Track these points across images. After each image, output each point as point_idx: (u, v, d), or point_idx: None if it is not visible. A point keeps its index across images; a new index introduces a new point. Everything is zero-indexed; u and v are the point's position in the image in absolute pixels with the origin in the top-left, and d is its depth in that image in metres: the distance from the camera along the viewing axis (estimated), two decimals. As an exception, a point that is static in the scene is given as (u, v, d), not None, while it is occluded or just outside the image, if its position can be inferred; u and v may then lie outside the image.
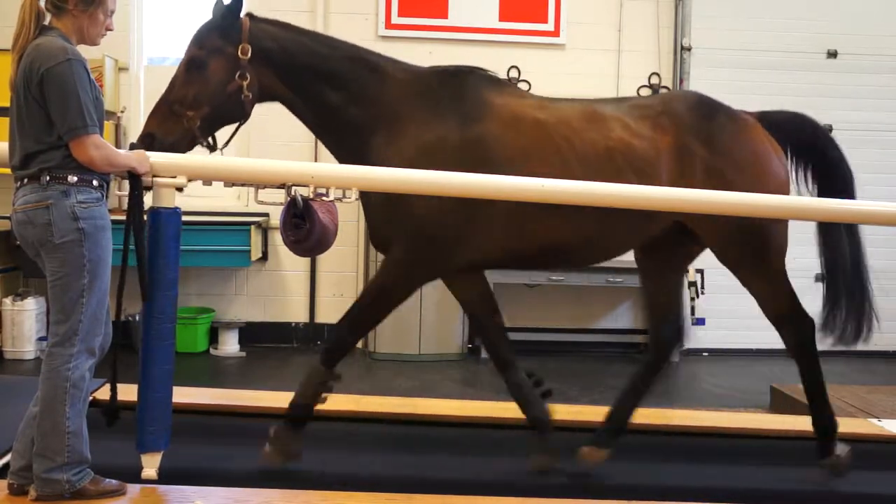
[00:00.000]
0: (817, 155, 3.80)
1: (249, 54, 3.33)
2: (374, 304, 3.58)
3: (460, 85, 3.54)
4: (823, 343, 3.87)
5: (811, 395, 3.82)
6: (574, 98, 3.80)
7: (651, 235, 3.65)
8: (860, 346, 4.03)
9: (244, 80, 3.33)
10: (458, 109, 3.47)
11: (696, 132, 3.55)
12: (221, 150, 3.44)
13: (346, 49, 3.55)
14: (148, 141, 3.26)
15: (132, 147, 3.14)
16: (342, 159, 3.54)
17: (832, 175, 3.78)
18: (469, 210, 3.36)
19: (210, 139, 3.41)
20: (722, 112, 3.69)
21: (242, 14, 3.39)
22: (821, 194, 3.80)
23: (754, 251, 3.65)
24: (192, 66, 3.33)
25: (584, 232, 3.52)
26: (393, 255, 3.53)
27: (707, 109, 3.67)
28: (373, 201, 3.45)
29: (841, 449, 3.76)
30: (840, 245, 3.81)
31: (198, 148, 3.43)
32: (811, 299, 3.88)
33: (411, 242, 3.45)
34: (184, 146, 3.33)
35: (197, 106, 3.30)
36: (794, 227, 3.75)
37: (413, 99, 3.48)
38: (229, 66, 3.33)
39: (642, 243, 3.75)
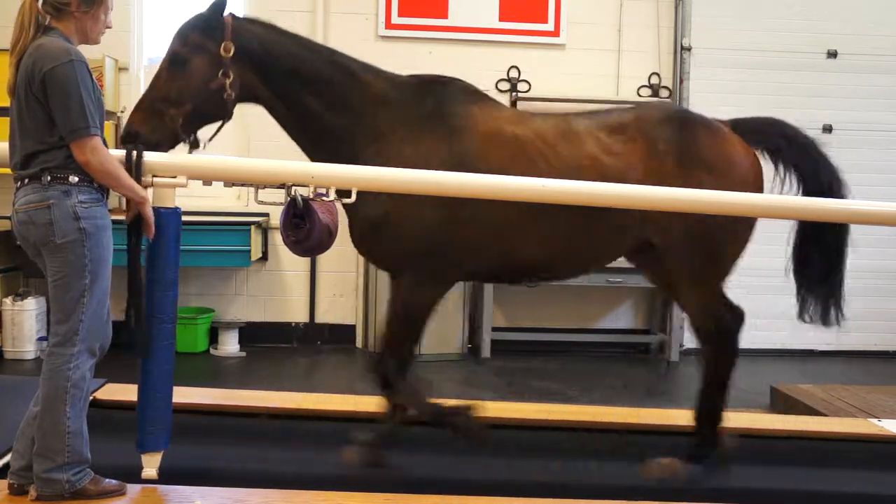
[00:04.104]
0: (796, 157, 3.79)
1: (232, 52, 3.33)
2: (403, 332, 3.60)
3: (440, 97, 3.55)
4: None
5: (704, 405, 3.85)
6: (549, 113, 3.83)
7: (626, 249, 3.69)
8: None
9: (227, 79, 3.33)
10: (440, 124, 3.49)
11: (667, 144, 3.55)
12: (204, 146, 3.43)
13: (327, 53, 3.56)
14: (132, 139, 3.24)
15: (129, 151, 3.12)
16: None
17: (814, 176, 3.75)
18: (453, 232, 3.43)
19: (192, 137, 3.40)
20: (695, 123, 3.68)
21: (226, 13, 3.38)
22: (806, 195, 3.76)
23: (701, 265, 3.64)
24: (175, 62, 3.33)
25: (559, 250, 3.59)
26: (402, 281, 3.57)
27: (679, 121, 3.67)
28: (362, 232, 3.51)
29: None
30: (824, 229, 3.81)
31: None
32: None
33: (412, 269, 3.49)
34: (167, 144, 3.32)
35: (179, 103, 3.30)
36: (764, 226, 3.74)
37: (394, 110, 3.50)
38: (212, 63, 3.33)
39: (621, 255, 3.81)
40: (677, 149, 3.55)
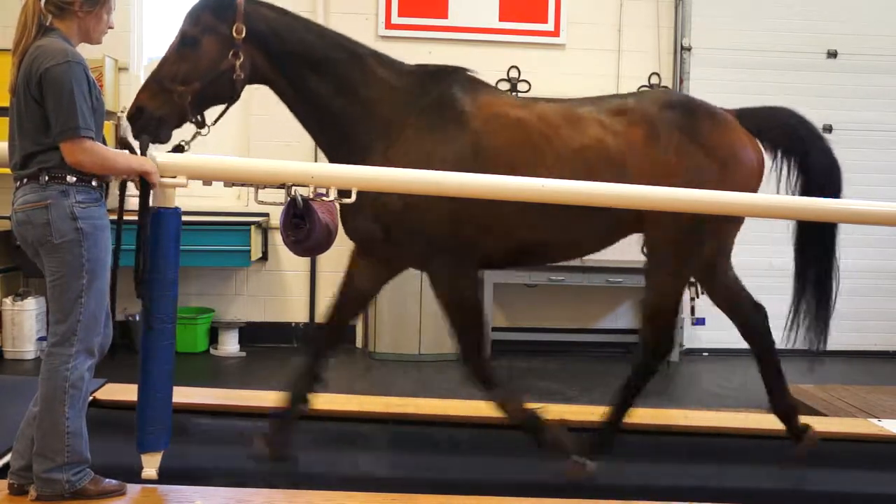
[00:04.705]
0: (800, 148, 3.77)
1: (244, 34, 3.35)
2: (465, 322, 3.59)
3: (445, 84, 3.58)
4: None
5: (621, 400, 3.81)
6: (553, 98, 3.82)
7: (624, 235, 3.70)
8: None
9: (237, 59, 3.35)
10: (447, 110, 3.51)
11: (669, 125, 3.54)
12: (209, 127, 3.44)
13: (336, 38, 3.59)
14: (138, 115, 3.27)
15: (122, 141, 3.14)
16: (325, 148, 3.60)
17: (816, 169, 3.73)
18: (469, 215, 3.42)
19: (199, 117, 3.41)
20: (699, 108, 3.68)
21: None
22: (804, 190, 3.75)
23: (684, 255, 3.62)
24: (186, 42, 3.35)
25: (560, 233, 3.59)
26: (435, 275, 3.57)
27: (683, 106, 3.67)
28: (388, 220, 3.49)
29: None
30: (813, 250, 3.81)
31: (197, 146, 3.44)
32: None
33: (437, 256, 3.50)
34: (174, 122, 3.35)
35: (188, 82, 3.31)
36: (764, 226, 3.73)
37: (400, 97, 3.52)
38: (223, 44, 3.35)
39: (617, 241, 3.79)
40: (680, 133, 3.55)
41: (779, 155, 3.78)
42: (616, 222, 3.60)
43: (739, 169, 3.57)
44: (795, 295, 3.86)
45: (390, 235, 3.51)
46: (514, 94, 7.29)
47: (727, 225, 3.69)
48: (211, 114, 3.46)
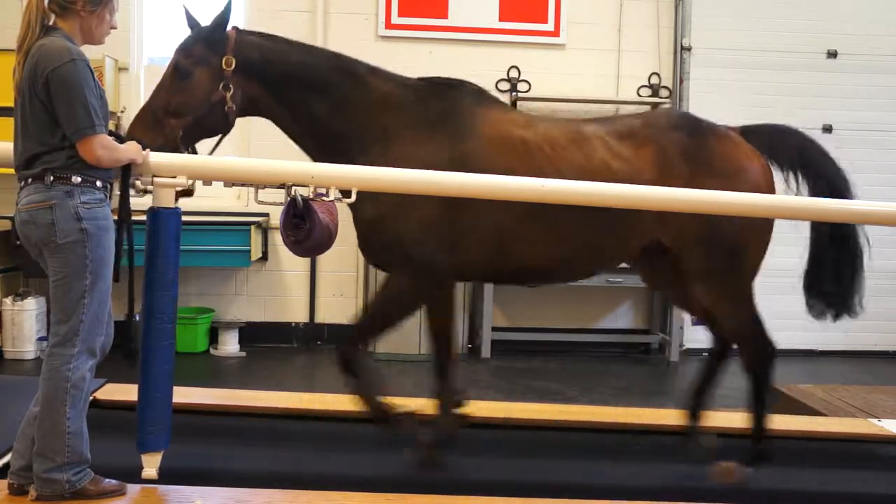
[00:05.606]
0: (807, 166, 3.76)
1: (234, 66, 3.34)
2: (436, 327, 3.70)
3: (448, 99, 3.55)
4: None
5: (753, 413, 3.81)
6: (559, 118, 3.81)
7: (634, 253, 3.67)
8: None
9: (227, 92, 3.35)
10: (446, 126, 3.49)
11: (677, 150, 3.54)
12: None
13: (331, 57, 3.57)
14: None
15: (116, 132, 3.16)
16: None
17: (824, 184, 3.72)
18: (452, 230, 3.43)
19: (191, 150, 3.41)
20: (705, 130, 3.66)
21: (229, 27, 3.41)
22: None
23: (723, 271, 3.61)
24: (177, 74, 3.35)
25: (562, 253, 3.57)
26: (397, 278, 3.58)
27: (690, 128, 3.65)
28: (364, 227, 3.52)
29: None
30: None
31: (197, 146, 3.44)
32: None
33: (407, 266, 3.50)
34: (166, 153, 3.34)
35: (180, 114, 3.32)
36: (780, 227, 3.74)
37: (401, 113, 3.50)
38: (213, 76, 3.35)
39: (629, 260, 3.81)
40: (687, 155, 3.54)
41: (788, 170, 3.77)
42: (621, 247, 3.61)
43: (748, 187, 3.52)
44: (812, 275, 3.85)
45: (369, 244, 3.53)
46: (514, 93, 7.30)
47: None
48: (204, 146, 3.48)
